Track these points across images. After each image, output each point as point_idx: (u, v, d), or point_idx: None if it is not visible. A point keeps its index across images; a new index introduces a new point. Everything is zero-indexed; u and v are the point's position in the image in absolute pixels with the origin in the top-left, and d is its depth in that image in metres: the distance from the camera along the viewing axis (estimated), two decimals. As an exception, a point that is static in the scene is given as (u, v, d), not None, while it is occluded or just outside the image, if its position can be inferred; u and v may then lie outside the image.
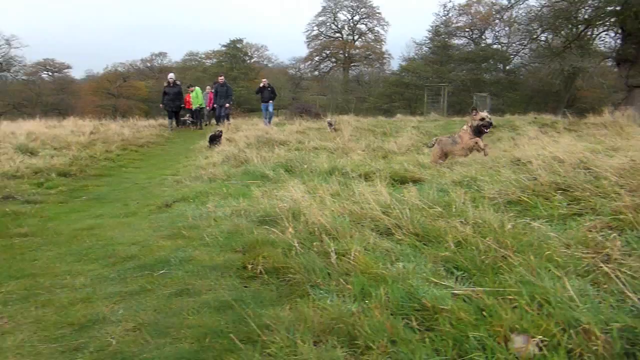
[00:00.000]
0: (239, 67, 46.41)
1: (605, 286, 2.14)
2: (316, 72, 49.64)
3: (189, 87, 20.29)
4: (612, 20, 17.66)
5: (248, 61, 49.39)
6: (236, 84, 39.08)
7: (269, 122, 17.98)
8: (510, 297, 1.92)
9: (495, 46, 41.08)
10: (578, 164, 4.78)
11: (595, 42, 24.63)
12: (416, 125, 18.14)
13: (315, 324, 1.93)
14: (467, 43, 42.17)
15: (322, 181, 5.47)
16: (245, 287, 2.65)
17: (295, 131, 15.70)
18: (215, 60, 48.91)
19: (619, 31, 18.06)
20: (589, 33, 21.80)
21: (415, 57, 42.19)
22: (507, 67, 39.62)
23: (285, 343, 1.87)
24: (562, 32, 19.87)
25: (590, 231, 2.85)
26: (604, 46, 26.33)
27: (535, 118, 18.25)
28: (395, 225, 3.12)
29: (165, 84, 17.53)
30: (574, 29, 19.04)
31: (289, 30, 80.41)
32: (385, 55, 48.98)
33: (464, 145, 6.81)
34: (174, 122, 18.17)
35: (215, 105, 18.21)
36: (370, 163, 7.40)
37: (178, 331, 2.17)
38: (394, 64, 46.70)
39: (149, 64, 51.24)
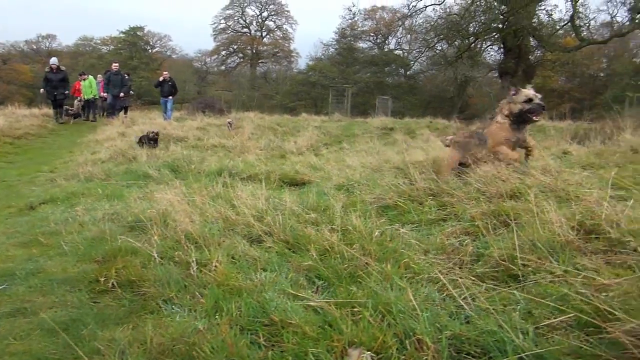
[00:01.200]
0: (139, 56, 43.86)
1: (452, 292, 2.26)
2: (223, 67, 48.51)
3: (80, 75, 18.66)
4: (496, 36, 19.30)
5: (150, 51, 46.89)
6: (136, 74, 36.91)
7: (169, 117, 17.13)
8: (355, 308, 1.94)
9: (397, 52, 43.13)
10: (452, 170, 5.09)
11: (483, 54, 26.84)
12: (319, 125, 18.40)
13: (154, 345, 1.80)
14: (372, 47, 43.80)
15: (209, 182, 5.29)
16: (95, 303, 2.43)
17: (196, 127, 15.14)
18: (112, 47, 45.75)
19: (502, 46, 19.80)
20: (478, 46, 23.68)
21: (322, 57, 42.96)
22: (408, 72, 41.76)
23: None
24: (455, 42, 21.29)
25: (448, 237, 3.00)
26: (490, 59, 28.83)
27: (431, 122, 19.38)
28: (266, 232, 3.07)
29: (47, 69, 15.62)
30: (465, 41, 20.48)
31: (195, 21, 77.45)
32: (293, 54, 49.26)
33: (496, 146, 4.58)
34: (62, 112, 16.46)
35: (106, 96, 16.78)
36: (264, 164, 7.33)
37: (-4, 361, 1.92)
38: (302, 63, 47.15)
39: (34, 47, 46.56)
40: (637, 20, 17.46)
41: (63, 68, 16.20)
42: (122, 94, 16.49)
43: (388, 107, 28.12)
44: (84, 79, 17.90)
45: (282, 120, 20.25)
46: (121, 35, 45.08)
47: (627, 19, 18.71)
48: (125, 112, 17.38)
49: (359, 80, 37.67)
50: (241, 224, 3.33)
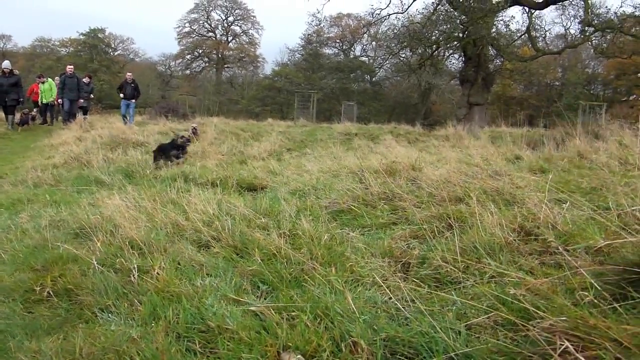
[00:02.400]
0: (99, 59, 42.73)
1: (391, 295, 2.28)
2: (187, 71, 47.86)
3: (38, 77, 17.86)
4: (457, 45, 19.79)
5: (111, 53, 45.75)
6: (96, 77, 35.87)
7: (131, 121, 16.68)
8: (294, 312, 1.93)
9: (362, 58, 43.67)
10: (407, 175, 5.17)
11: (445, 62, 27.47)
12: (284, 130, 18.36)
13: (82, 355, 1.74)
14: (337, 53, 44.19)
15: (164, 188, 5.18)
16: (29, 313, 2.33)
17: (157, 132, 14.84)
18: (72, 49, 44.36)
19: (462, 55, 20.31)
20: (440, 54, 24.22)
21: (288, 63, 43.01)
22: (373, 79, 42.32)
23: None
24: (418, 50, 21.69)
25: (396, 241, 3.04)
26: (452, 67, 29.54)
27: (395, 128, 19.68)
28: (214, 238, 3.03)
29: (-1, 72, 14.89)
30: (427, 49, 20.90)
31: (159, 24, 76.06)
32: (259, 59, 49.10)
33: None
34: (14, 118, 15.54)
35: (60, 100, 15.73)
36: (223, 169, 7.25)
37: None
38: (268, 68, 47.05)
39: (-14, 48, 44.70)
40: (587, 34, 18.26)
41: (16, 72, 15.49)
42: (81, 100, 15.89)
43: (353, 113, 28.40)
44: (43, 82, 17.19)
45: (246, 126, 20.11)
46: (81, 37, 43.81)
47: (578, 31, 19.54)
48: (85, 114, 16.83)
49: (324, 86, 37.89)
50: (190, 229, 3.27)
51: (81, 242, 3.33)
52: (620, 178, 4.49)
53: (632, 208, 2.43)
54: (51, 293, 2.43)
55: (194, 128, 14.01)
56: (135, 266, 2.50)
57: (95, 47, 43.75)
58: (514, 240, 2.61)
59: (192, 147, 11.15)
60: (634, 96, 35.92)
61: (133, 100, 16.83)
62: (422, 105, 37.44)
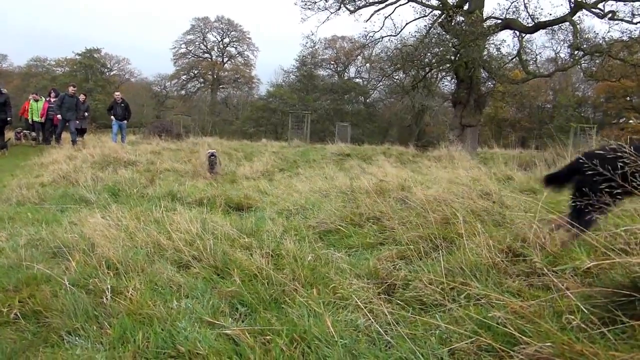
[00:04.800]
0: (95, 78, 42.83)
1: (378, 318, 2.20)
2: (183, 92, 48.00)
3: (33, 95, 17.64)
4: (449, 67, 20.01)
5: (107, 73, 45.90)
6: (91, 96, 35.95)
7: (123, 141, 16.58)
8: (268, 336, 1.84)
9: (356, 80, 44.03)
10: (397, 195, 5.11)
11: (438, 84, 27.78)
12: (277, 150, 18.33)
13: (42, 383, 1.64)
14: (332, 75, 44.53)
15: (150, 207, 5.08)
16: (-6, 336, 2.21)
17: (150, 151, 14.75)
18: (67, 68, 44.47)
19: (454, 77, 20.53)
20: (433, 76, 24.49)
21: (283, 84, 43.25)
22: (367, 100, 42.60)
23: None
24: (411, 72, 21.90)
25: (382, 262, 2.96)
26: (445, 89, 29.86)
27: (388, 149, 19.71)
28: (195, 257, 2.94)
29: (-12, 91, 14.50)
30: (420, 71, 21.11)
31: (155, 45, 76.52)
32: (254, 80, 49.37)
33: None
34: (4, 138, 15.21)
35: (59, 117, 15.63)
36: (215, 188, 7.16)
37: None
38: (262, 89, 47.30)
39: (-18, 67, 44.74)
40: (576, 57, 18.54)
41: (4, 91, 15.30)
42: (77, 121, 15.71)
43: (347, 134, 28.47)
44: (36, 100, 17.08)
45: (240, 146, 20.07)
46: (77, 57, 43.97)
47: (568, 55, 19.84)
48: (82, 135, 16.66)
49: (318, 107, 38.07)
50: (171, 249, 3.18)
51: (58, 261, 3.22)
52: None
53: (621, 229, 2.37)
54: (19, 315, 2.32)
55: (212, 155, 10.43)
56: (109, 287, 2.40)
57: (90, 67, 43.88)
58: (502, 261, 2.54)
59: (183, 167, 11.09)
60: (624, 119, 36.40)
61: (125, 121, 16.73)
62: (415, 127, 37.64)
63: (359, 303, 2.12)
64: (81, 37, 66.32)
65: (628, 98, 35.44)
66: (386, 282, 2.69)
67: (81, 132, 16.33)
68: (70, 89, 15.81)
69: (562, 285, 2.01)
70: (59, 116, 15.56)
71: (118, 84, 43.97)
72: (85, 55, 43.60)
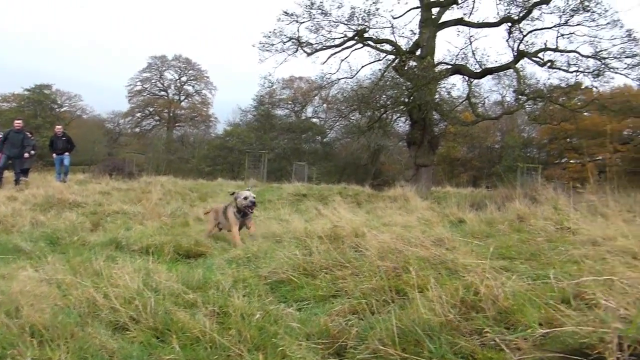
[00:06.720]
0: (44, 115, 41.37)
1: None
2: (137, 129, 47.14)
3: None
4: (403, 109, 20.67)
5: (57, 110, 44.51)
6: (39, 133, 34.65)
7: (65, 177, 15.83)
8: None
9: (314, 119, 44.70)
10: (351, 242, 5.03)
11: (393, 125, 28.55)
12: (233, 190, 18.05)
13: None
14: (289, 114, 45.08)
15: (92, 257, 4.76)
16: None
17: (99, 191, 14.15)
18: (14, 104, 42.81)
19: (409, 118, 21.18)
20: (389, 117, 25.17)
21: (240, 123, 43.34)
22: (324, 140, 43.19)
23: None
24: (367, 113, 22.44)
25: (334, 318, 2.84)
26: (400, 129, 30.71)
27: (345, 188, 19.82)
28: (132, 319, 2.71)
29: None
30: (376, 113, 21.67)
31: (108, 81, 75.10)
32: (211, 118, 49.24)
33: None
34: None
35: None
36: (163, 233, 6.86)
37: None
38: (220, 128, 47.13)
39: None
40: (521, 102, 19.62)
41: None
42: (26, 155, 14.83)
43: (304, 173, 28.62)
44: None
45: (195, 185, 19.65)
46: (25, 92, 42.49)
47: (513, 99, 21.00)
48: (26, 175, 15.74)
49: (276, 146, 38.23)
50: (108, 308, 2.94)
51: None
52: (557, 243, 4.57)
53: (569, 282, 2.38)
54: None
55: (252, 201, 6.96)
56: (30, 358, 2.15)
57: (40, 102, 42.44)
58: (455, 317, 2.48)
59: (132, 209, 10.64)
60: (565, 159, 38.65)
61: (67, 154, 15.97)
62: (371, 166, 38.32)
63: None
64: (29, 69, 64.29)
65: (568, 140, 37.72)
66: (337, 342, 2.57)
67: (24, 171, 15.45)
68: (16, 123, 15.04)
69: (515, 345, 1.97)
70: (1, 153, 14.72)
71: (69, 120, 42.64)
72: (35, 91, 42.22)
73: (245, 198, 6.34)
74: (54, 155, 16.03)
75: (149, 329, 2.66)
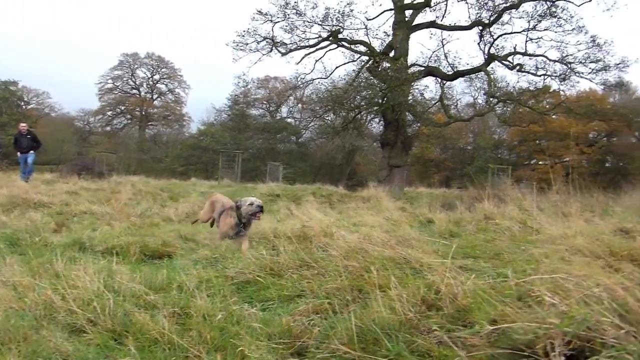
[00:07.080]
0: (10, 112, 40.07)
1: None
2: (108, 128, 46.15)
3: None
4: (377, 110, 20.86)
5: (24, 107, 43.19)
6: (5, 131, 33.60)
7: (30, 173, 15.36)
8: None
9: (289, 119, 44.71)
10: (320, 241, 5.04)
11: (367, 125, 28.77)
12: (206, 190, 17.85)
13: None
14: (264, 114, 44.91)
15: (53, 258, 4.63)
16: None
17: (66, 191, 13.79)
18: (-22, 101, 41.40)
19: (382, 119, 21.39)
20: (363, 118, 25.36)
21: (215, 122, 42.95)
22: (299, 140, 43.19)
23: None
24: (341, 114, 22.55)
25: (296, 318, 2.84)
26: (374, 130, 30.99)
27: (319, 189, 19.86)
28: (90, 321, 2.66)
29: None
30: (350, 113, 21.79)
31: (77, 78, 73.09)
32: (185, 118, 48.61)
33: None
34: None
35: None
36: (131, 234, 6.73)
37: None
38: (194, 127, 46.56)
39: None
40: (491, 104, 20.06)
41: None
42: None
43: (279, 173, 28.53)
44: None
45: (167, 185, 19.38)
46: (-10, 89, 41.14)
47: (484, 102, 21.43)
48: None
49: (251, 146, 38.04)
50: (66, 310, 2.86)
51: None
52: (520, 242, 4.68)
53: (519, 280, 2.45)
54: None
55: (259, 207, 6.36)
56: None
57: (6, 100, 41.11)
58: (414, 316, 2.51)
59: (101, 209, 10.40)
60: (534, 160, 39.71)
61: (32, 152, 15.56)
62: (346, 166, 38.51)
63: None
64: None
65: (537, 142, 38.71)
66: (299, 342, 2.57)
67: None
68: None
69: (469, 343, 2.01)
70: None
71: (36, 118, 41.43)
72: (0, 88, 40.89)
73: (251, 204, 5.53)
74: (19, 153, 15.58)
75: (106, 331, 2.61)
